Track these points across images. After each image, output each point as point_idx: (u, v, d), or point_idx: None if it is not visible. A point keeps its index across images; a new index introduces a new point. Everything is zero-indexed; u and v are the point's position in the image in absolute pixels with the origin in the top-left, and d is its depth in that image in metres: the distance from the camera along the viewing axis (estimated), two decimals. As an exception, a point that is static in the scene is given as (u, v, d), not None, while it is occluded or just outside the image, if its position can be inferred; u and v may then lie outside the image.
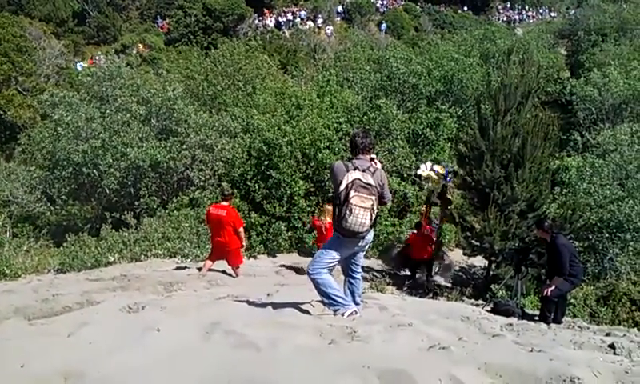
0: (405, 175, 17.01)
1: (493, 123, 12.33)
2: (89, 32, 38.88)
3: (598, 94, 24.46)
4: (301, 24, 42.34)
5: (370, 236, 5.10)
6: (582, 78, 27.48)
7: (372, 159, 5.04)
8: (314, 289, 5.22)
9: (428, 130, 18.93)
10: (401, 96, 21.22)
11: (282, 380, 3.30)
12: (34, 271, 10.63)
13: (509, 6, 61.00)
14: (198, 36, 37.38)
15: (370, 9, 47.24)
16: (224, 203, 9.55)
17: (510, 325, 5.73)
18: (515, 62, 13.82)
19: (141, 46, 36.62)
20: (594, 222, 13.65)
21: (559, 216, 11.96)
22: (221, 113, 18.03)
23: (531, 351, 3.98)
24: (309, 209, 14.60)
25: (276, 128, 15.05)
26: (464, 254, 14.73)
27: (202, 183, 15.37)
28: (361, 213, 4.78)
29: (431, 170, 13.20)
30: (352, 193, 4.76)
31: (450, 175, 12.85)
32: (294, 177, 14.62)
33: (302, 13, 44.27)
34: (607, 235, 13.65)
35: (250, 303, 6.04)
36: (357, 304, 5.35)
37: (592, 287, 11.11)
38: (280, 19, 42.78)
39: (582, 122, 25.05)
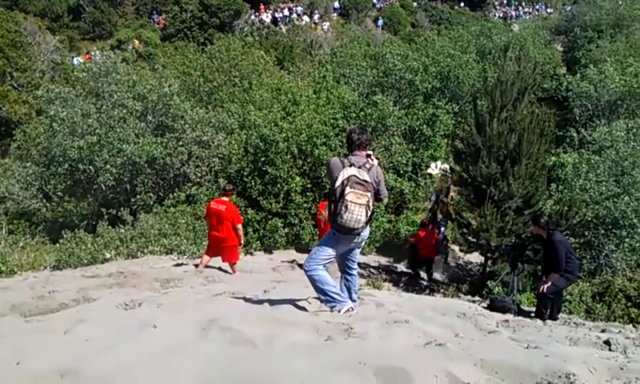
0: (401, 171, 17.00)
1: (489, 119, 12.36)
2: (84, 27, 38.70)
3: (593, 91, 24.48)
4: (297, 20, 42.24)
5: (365, 232, 5.11)
6: (578, 75, 27.50)
7: (368, 156, 5.04)
8: (310, 285, 5.23)
9: (424, 126, 18.92)
10: (397, 92, 21.19)
11: (278, 377, 3.30)
12: (30, 268, 10.59)
13: (505, 2, 61.03)
14: (194, 32, 37.25)
15: (366, 5, 47.16)
16: (224, 198, 9.60)
17: (506, 321, 5.75)
18: (512, 59, 13.85)
19: (136, 42, 36.44)
20: (589, 219, 13.70)
21: (555, 212, 12.00)
22: (217, 109, 17.99)
23: (527, 347, 3.99)
24: (305, 205, 14.58)
25: (272, 124, 15.03)
26: (460, 251, 14.81)
27: (198, 179, 15.35)
28: (356, 209, 4.78)
29: (440, 168, 13.33)
30: (347, 189, 4.76)
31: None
32: (290, 173, 14.60)
33: (299, 8, 44.16)
34: (603, 232, 13.69)
35: (246, 300, 6.04)
36: (353, 301, 5.35)
37: (588, 283, 11.14)
38: (276, 15, 42.66)
39: (578, 118, 25.08)
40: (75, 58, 33.11)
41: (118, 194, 16.11)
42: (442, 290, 11.93)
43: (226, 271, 9.78)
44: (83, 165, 15.53)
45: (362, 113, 17.17)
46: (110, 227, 12.57)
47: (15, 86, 27.77)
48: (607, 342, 4.60)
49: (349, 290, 5.40)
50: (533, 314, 8.10)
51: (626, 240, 13.25)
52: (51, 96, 17.06)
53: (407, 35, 39.92)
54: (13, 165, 18.48)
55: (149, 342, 4.06)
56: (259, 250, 13.91)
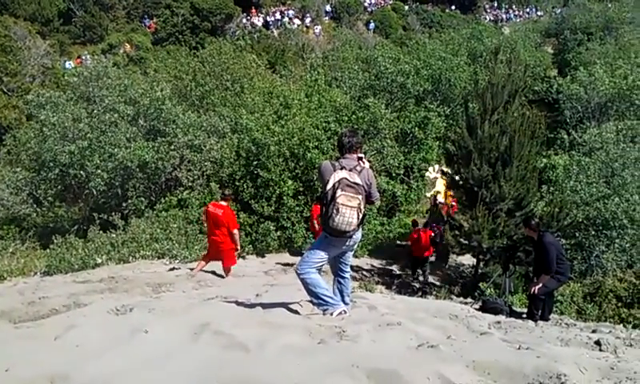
0: (393, 174, 17.03)
1: (480, 122, 12.42)
2: (75, 31, 38.56)
3: (584, 93, 24.66)
4: (289, 23, 42.29)
5: (357, 235, 5.11)
6: (568, 77, 27.70)
7: (360, 158, 5.04)
8: (302, 288, 5.22)
9: (416, 129, 18.98)
10: (389, 95, 21.26)
11: (271, 380, 3.29)
12: (20, 274, 10.52)
13: (496, 5, 61.41)
14: (186, 35, 37.23)
15: (358, 8, 47.32)
16: (222, 203, 9.62)
17: (498, 322, 5.77)
18: (502, 61, 13.92)
19: (128, 46, 36.40)
20: (580, 220, 13.78)
21: (546, 214, 12.06)
22: (209, 113, 17.96)
23: (519, 348, 4.01)
24: (297, 208, 14.58)
25: (265, 128, 15.02)
26: (453, 253, 14.86)
27: (190, 184, 15.30)
28: (347, 212, 4.78)
29: (438, 171, 13.45)
30: (338, 192, 4.75)
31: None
32: (282, 176, 14.60)
33: (290, 12, 44.24)
34: (593, 233, 13.78)
35: (238, 304, 6.02)
36: (346, 303, 5.35)
37: (579, 284, 11.20)
38: (268, 18, 42.70)
39: (568, 120, 25.25)
40: (67, 62, 32.99)
41: (110, 198, 16.03)
42: (434, 292, 11.95)
43: (220, 275, 9.76)
44: (74, 170, 15.45)
45: (353, 116, 17.20)
46: (101, 232, 12.51)
47: (5, 90, 27.63)
48: (598, 343, 4.62)
49: (341, 292, 5.39)
50: (525, 316, 8.13)
51: (617, 241, 13.34)
52: (42, 101, 16.96)
53: (399, 38, 40.08)
54: (3, 170, 18.38)
55: (140, 347, 4.04)
56: (251, 254, 13.89)
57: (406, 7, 51.35)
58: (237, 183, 14.71)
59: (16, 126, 23.81)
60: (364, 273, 13.38)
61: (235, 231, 9.59)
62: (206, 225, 10.22)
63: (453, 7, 55.87)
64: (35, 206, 16.21)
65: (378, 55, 22.34)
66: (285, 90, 18.67)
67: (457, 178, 13.09)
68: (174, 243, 12.01)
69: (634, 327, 8.40)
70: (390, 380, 3.23)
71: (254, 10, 43.54)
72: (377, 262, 15.13)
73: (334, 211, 4.75)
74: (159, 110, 16.88)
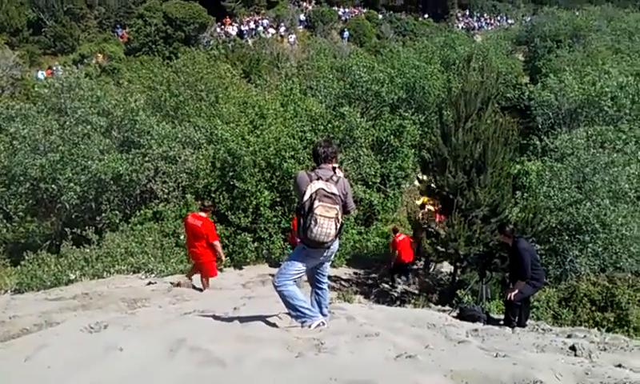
0: (370, 183, 17.09)
1: (454, 129, 12.54)
2: (45, 42, 37.92)
3: (554, 99, 25.10)
4: (263, 32, 42.30)
5: (335, 245, 5.10)
6: (539, 84, 28.19)
7: (334, 169, 5.04)
8: (280, 301, 5.18)
9: (392, 137, 19.10)
10: (364, 104, 21.38)
11: (248, 397, 3.25)
12: (-10, 292, 10.26)
13: (468, 13, 62.52)
14: (159, 45, 36.91)
15: (332, 17, 47.58)
16: (202, 214, 9.58)
17: (476, 330, 5.81)
18: (475, 69, 14.10)
19: (100, 56, 35.93)
20: (554, 225, 13.97)
21: (521, 220, 12.21)
22: (184, 123, 17.81)
23: (496, 356, 4.04)
24: (275, 219, 14.52)
25: (240, 138, 14.95)
26: (430, 261, 14.95)
27: (165, 196, 15.12)
28: (325, 222, 4.77)
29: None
30: (316, 203, 4.74)
31: None
32: (259, 187, 14.53)
33: (265, 21, 44.26)
34: (567, 237, 13.97)
35: (216, 318, 5.95)
36: (324, 315, 5.33)
37: (554, 289, 11.35)
38: (242, 28, 42.64)
39: (540, 126, 25.63)
40: (40, 72, 32.43)
41: (83, 212, 15.74)
42: (412, 301, 11.99)
43: (199, 288, 9.67)
44: (45, 183, 15.14)
45: (329, 125, 17.24)
46: (74, 247, 12.25)
47: (-27, 103, 26.99)
48: (573, 348, 4.69)
49: (319, 304, 5.38)
50: (502, 322, 8.21)
51: (589, 245, 13.55)
52: (11, 113, 16.64)
53: (373, 47, 40.40)
54: (-29, 185, 17.89)
55: (115, 365, 3.96)
56: (229, 266, 13.77)
57: (380, 16, 51.88)
58: (213, 195, 14.60)
59: (-15, 139, 23.22)
60: (342, 283, 13.37)
61: (216, 242, 9.55)
62: (184, 237, 10.15)
63: (426, 16, 56.67)
64: (5, 221, 15.81)
65: (352, 64, 22.47)
66: (260, 99, 18.63)
67: (432, 185, 13.20)
68: (150, 257, 11.84)
69: (608, 330, 8.57)
70: (368, 393, 3.22)
71: (227, 20, 43.46)
72: (355, 272, 15.13)
73: (312, 222, 4.74)
74: (133, 121, 16.68)
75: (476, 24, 59.22)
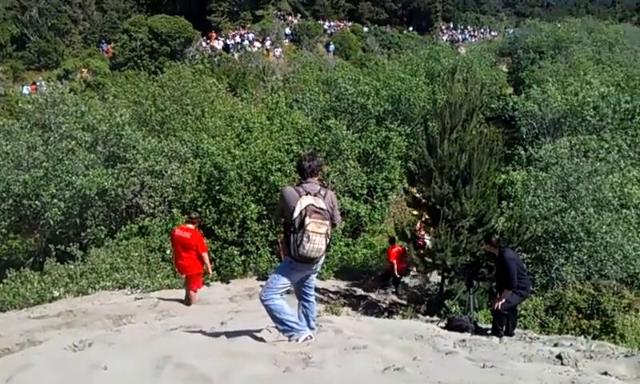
0: (357, 194, 17.13)
1: (440, 141, 12.58)
2: (29, 57, 37.73)
3: (538, 110, 25.38)
4: (249, 46, 42.40)
5: (322, 259, 5.09)
6: (523, 95, 28.52)
7: (320, 182, 5.04)
8: (267, 315, 5.15)
9: (378, 148, 19.20)
10: (350, 116, 21.49)
11: (234, 414, 3.21)
12: (-28, 311, 10.06)
13: (452, 26, 63.35)
14: (145, 60, 36.83)
15: (317, 30, 47.87)
16: (190, 226, 9.50)
17: (463, 341, 5.81)
18: (459, 81, 14.21)
19: (85, 71, 35.77)
20: (539, 234, 14.07)
21: (507, 229, 12.27)
22: (170, 138, 17.75)
23: (483, 367, 4.04)
24: (262, 232, 14.46)
25: (226, 152, 14.91)
26: (418, 271, 14.96)
27: (151, 210, 15.00)
28: (317, 239, 4.76)
29: None
30: (307, 219, 4.72)
31: None
32: (245, 200, 14.48)
33: (251, 35, 44.39)
34: (553, 246, 14.07)
35: (203, 333, 5.89)
36: (311, 328, 5.30)
37: (541, 298, 11.41)
38: (228, 42, 42.72)
39: (524, 136, 25.91)
40: (25, 87, 32.20)
41: (67, 228, 15.57)
42: (400, 312, 11.97)
43: (185, 302, 9.58)
44: (29, 200, 14.97)
45: (315, 138, 17.28)
46: (58, 264, 12.10)
47: (-44, 119, 26.69)
48: (559, 357, 4.71)
49: (307, 317, 5.35)
50: (489, 332, 8.22)
51: (575, 253, 13.66)
52: (-6, 129, 16.49)
53: (358, 60, 40.69)
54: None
55: (98, 384, 3.90)
56: (216, 280, 13.67)
57: (365, 29, 52.34)
58: (199, 209, 14.51)
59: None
60: (330, 295, 13.32)
61: (204, 254, 9.49)
62: (169, 251, 10.05)
63: (410, 28, 57.32)
64: (-13, 238, 15.62)
65: (338, 77, 22.63)
66: (246, 113, 18.65)
67: (419, 196, 13.24)
68: (136, 272, 11.72)
69: (594, 338, 8.62)
70: (356, 407, 3.19)
71: (213, 34, 43.54)
72: (343, 284, 15.09)
73: (305, 239, 4.71)
74: (119, 136, 16.60)
75: (460, 36, 60.06)
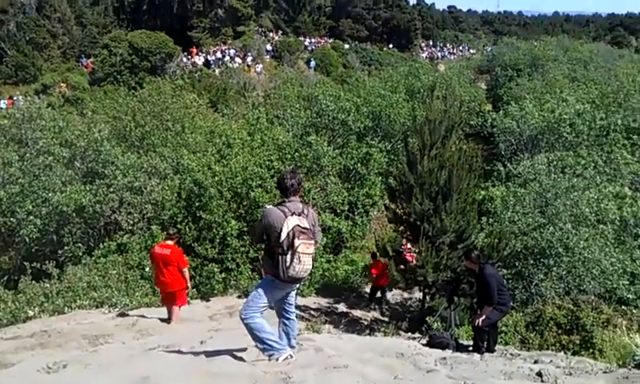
0: (338, 211, 17.12)
1: (420, 157, 12.68)
2: (6, 71, 37.36)
3: (516, 126, 25.74)
4: (230, 62, 42.46)
5: (304, 277, 5.07)
6: (501, 111, 28.94)
7: (302, 199, 5.03)
8: (248, 333, 5.08)
9: (359, 165, 19.26)
10: (331, 132, 21.56)
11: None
12: (-58, 332, 9.75)
13: (431, 43, 64.26)
14: (125, 75, 36.67)
15: (298, 47, 48.16)
16: (169, 242, 9.43)
17: (444, 359, 5.80)
18: (439, 97, 14.38)
19: (63, 86, 35.42)
20: (519, 250, 14.18)
21: (487, 245, 12.35)
22: (150, 154, 17.59)
23: (464, 385, 4.02)
24: (243, 249, 14.34)
25: (206, 168, 14.82)
26: (399, 288, 14.98)
27: (130, 227, 14.79)
28: (306, 259, 4.75)
29: None
30: (297, 241, 4.69)
31: None
32: (225, 217, 14.36)
33: (232, 51, 44.48)
34: (532, 261, 14.18)
35: (181, 353, 5.80)
36: (292, 347, 5.25)
37: (521, 314, 11.46)
38: (209, 58, 42.74)
39: (503, 152, 26.23)
40: (2, 101, 31.77)
41: (44, 245, 15.25)
42: (382, 329, 11.93)
43: (166, 320, 9.43)
44: (4, 217, 14.68)
45: (296, 154, 17.27)
46: (33, 282, 11.80)
47: None
48: (539, 374, 4.72)
49: (287, 335, 5.30)
50: (471, 348, 8.22)
51: (554, 269, 13.77)
52: (-32, 145, 16.19)
53: (339, 76, 41.00)
54: None
55: (72, 409, 3.79)
56: (196, 298, 13.48)
57: (346, 46, 52.83)
58: (179, 226, 14.34)
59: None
60: (312, 312, 13.24)
61: (185, 269, 9.42)
62: (152, 272, 9.93)
63: (390, 46, 58.03)
64: (-40, 256, 15.26)
65: (319, 93, 22.72)
66: (227, 128, 18.58)
67: (400, 212, 13.27)
68: (114, 291, 11.48)
69: (574, 353, 8.66)
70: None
71: (194, 49, 43.53)
72: (324, 301, 15.01)
73: (296, 260, 4.68)
74: (97, 152, 16.41)
75: (439, 54, 60.96)
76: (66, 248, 14.36)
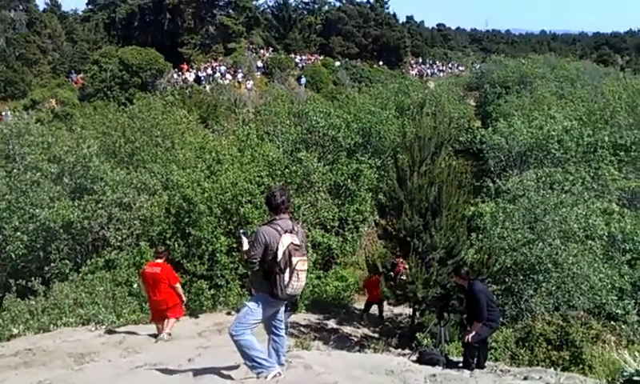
0: (328, 227, 17.10)
1: (410, 173, 12.71)
2: (-6, 87, 37.15)
3: (505, 143, 25.92)
4: (221, 79, 42.56)
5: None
6: (490, 128, 29.16)
7: (291, 216, 5.03)
8: (237, 350, 5.03)
9: (349, 181, 19.29)
10: (321, 148, 21.61)
11: None
12: None
13: (421, 61, 64.91)
14: (115, 91, 36.59)
15: (289, 64, 48.44)
16: (158, 261, 9.49)
17: (434, 375, 5.76)
18: (428, 114, 14.47)
19: (53, 102, 35.29)
20: (508, 266, 14.18)
21: (477, 261, 12.36)
22: (139, 170, 17.50)
23: (454, 403, 3.99)
24: (232, 265, 14.25)
25: (195, 184, 14.76)
26: (389, 304, 14.93)
27: (118, 243, 14.66)
28: (303, 276, 4.81)
29: None
30: (295, 259, 4.71)
31: None
32: (215, 233, 14.28)
33: (222, 68, 44.61)
34: (522, 277, 14.20)
35: (169, 371, 5.72)
36: (281, 364, 5.22)
37: (511, 329, 11.45)
38: (200, 74, 42.83)
39: (492, 168, 26.36)
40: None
41: (30, 262, 15.07)
42: (372, 345, 11.86)
43: (155, 335, 9.36)
44: (-11, 233, 14.52)
45: (286, 170, 17.27)
46: (18, 299, 11.68)
47: None
48: (530, 391, 4.69)
49: (277, 351, 5.27)
50: (461, 365, 8.19)
51: (543, 284, 13.80)
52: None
53: (329, 93, 41.20)
54: None
55: (56, 429, 3.72)
56: (184, 315, 13.33)
57: (337, 63, 53.20)
58: (167, 242, 14.23)
59: None
60: (301, 328, 13.14)
61: (177, 285, 9.48)
62: (140, 289, 9.96)
63: (380, 63, 58.53)
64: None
65: (309, 109, 22.81)
66: (217, 144, 18.57)
67: (390, 228, 13.27)
68: (101, 307, 11.37)
69: (564, 369, 8.65)
70: None
71: (185, 66, 43.62)
72: (314, 317, 14.91)
73: (294, 278, 4.71)
74: (86, 168, 16.31)
75: (428, 71, 61.57)
76: (52, 264, 14.19)
